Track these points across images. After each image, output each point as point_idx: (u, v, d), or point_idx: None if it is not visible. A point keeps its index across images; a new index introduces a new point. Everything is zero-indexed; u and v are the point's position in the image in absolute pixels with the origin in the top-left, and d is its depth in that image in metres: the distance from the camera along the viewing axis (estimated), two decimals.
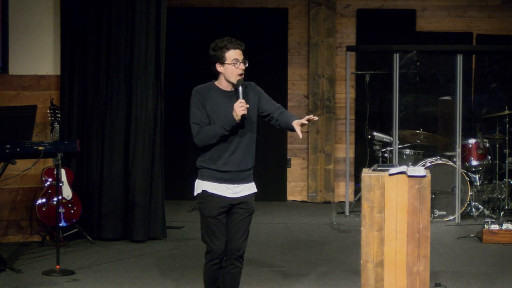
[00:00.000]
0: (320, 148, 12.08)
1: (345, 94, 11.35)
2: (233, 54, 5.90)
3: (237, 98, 5.84)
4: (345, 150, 11.38)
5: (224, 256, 6.01)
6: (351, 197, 11.64)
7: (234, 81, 5.88)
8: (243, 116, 5.81)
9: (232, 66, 5.88)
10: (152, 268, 8.10)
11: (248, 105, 5.83)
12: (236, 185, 5.93)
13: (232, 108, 5.80)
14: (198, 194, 5.99)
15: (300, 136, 5.96)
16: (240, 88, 5.85)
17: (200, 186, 5.97)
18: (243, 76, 5.91)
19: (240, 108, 5.78)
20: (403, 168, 6.37)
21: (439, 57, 11.75)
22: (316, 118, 6.04)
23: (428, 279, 6.35)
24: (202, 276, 7.87)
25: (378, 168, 6.56)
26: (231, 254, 6.01)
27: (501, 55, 11.93)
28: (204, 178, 5.95)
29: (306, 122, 5.95)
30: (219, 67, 5.92)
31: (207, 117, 5.87)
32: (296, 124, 5.95)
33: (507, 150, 10.85)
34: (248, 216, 6.01)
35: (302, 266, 8.27)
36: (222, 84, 5.95)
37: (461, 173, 10.49)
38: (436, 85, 11.90)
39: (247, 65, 5.93)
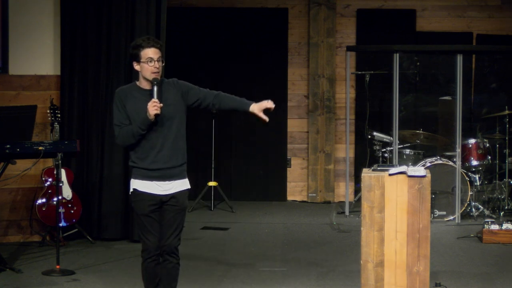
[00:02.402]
0: (320, 148, 12.08)
1: (345, 94, 11.35)
2: (148, 53, 5.96)
3: (151, 97, 5.92)
4: (345, 150, 11.38)
5: (160, 252, 6.08)
6: (351, 197, 11.64)
7: (150, 79, 5.97)
8: (156, 114, 5.88)
9: (146, 64, 5.95)
10: None
11: (161, 104, 5.89)
12: (167, 182, 6.01)
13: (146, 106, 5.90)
14: (131, 192, 6.09)
15: (266, 119, 6.01)
16: (155, 88, 5.93)
17: (132, 185, 6.07)
18: (158, 75, 5.98)
19: (152, 107, 5.87)
20: (403, 168, 6.37)
21: (439, 57, 11.74)
22: (271, 106, 6.02)
23: (428, 279, 6.35)
24: (202, 275, 7.89)
25: (378, 168, 6.56)
26: (163, 250, 6.08)
27: (501, 55, 11.92)
28: (135, 177, 6.05)
29: (267, 106, 5.98)
30: (136, 66, 6.02)
31: (127, 117, 5.97)
32: (257, 110, 6.00)
33: (507, 150, 10.85)
34: (179, 212, 6.07)
35: (302, 266, 8.27)
36: (142, 83, 6.05)
37: (461, 173, 10.49)
38: (436, 85, 11.90)
39: (163, 64, 6.01)
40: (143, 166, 5.99)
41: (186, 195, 6.12)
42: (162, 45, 6.10)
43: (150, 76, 5.96)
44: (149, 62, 5.95)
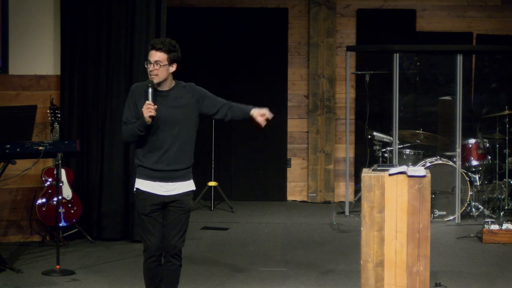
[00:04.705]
0: (320, 148, 12.08)
1: (345, 94, 11.35)
2: (149, 55, 5.96)
3: (145, 99, 5.90)
4: (345, 150, 11.38)
5: (162, 252, 6.08)
6: (351, 197, 11.64)
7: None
8: (152, 117, 5.85)
9: (146, 66, 5.98)
10: None
11: (155, 106, 5.86)
12: (169, 183, 6.01)
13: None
14: (134, 191, 6.11)
15: (263, 124, 6.02)
16: (149, 90, 5.90)
17: (136, 184, 6.08)
18: (157, 78, 5.92)
19: (146, 110, 5.85)
20: (403, 168, 6.37)
21: (439, 57, 11.74)
22: (270, 115, 6.05)
23: (428, 279, 6.35)
24: (202, 275, 7.89)
25: (378, 168, 6.56)
26: (167, 251, 6.09)
27: (501, 55, 11.92)
28: (139, 176, 6.06)
29: (266, 115, 5.99)
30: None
31: (135, 116, 5.95)
32: (257, 114, 6.02)
33: (507, 150, 10.85)
34: (183, 214, 6.08)
35: (302, 266, 8.28)
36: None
37: (461, 173, 10.49)
38: (436, 85, 11.89)
39: (157, 66, 5.91)
40: (147, 166, 5.99)
41: (190, 196, 6.13)
42: (174, 49, 5.96)
43: (150, 78, 5.96)
44: (147, 64, 5.96)
